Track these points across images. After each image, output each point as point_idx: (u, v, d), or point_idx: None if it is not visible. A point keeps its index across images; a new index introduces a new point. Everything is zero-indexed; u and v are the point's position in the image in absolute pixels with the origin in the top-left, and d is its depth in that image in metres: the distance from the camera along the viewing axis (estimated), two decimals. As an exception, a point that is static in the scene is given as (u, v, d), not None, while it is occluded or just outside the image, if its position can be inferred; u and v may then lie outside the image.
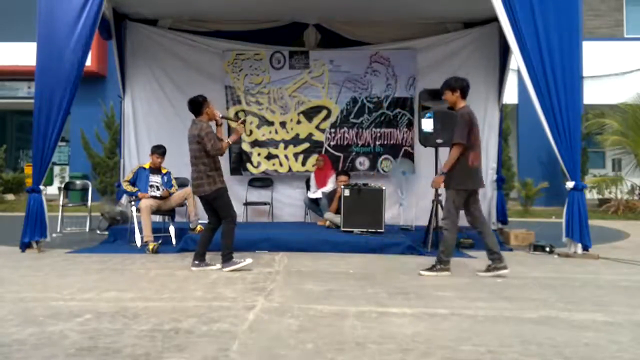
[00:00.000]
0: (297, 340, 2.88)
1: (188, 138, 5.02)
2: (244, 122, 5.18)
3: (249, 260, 4.95)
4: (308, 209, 8.17)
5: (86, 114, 13.41)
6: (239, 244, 6.09)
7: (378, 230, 6.58)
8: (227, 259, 4.93)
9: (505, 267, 4.74)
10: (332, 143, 8.38)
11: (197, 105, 5.03)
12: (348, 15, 8.00)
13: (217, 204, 5.00)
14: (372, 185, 6.88)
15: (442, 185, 4.85)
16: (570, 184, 5.83)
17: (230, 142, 5.17)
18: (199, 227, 6.37)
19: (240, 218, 8.13)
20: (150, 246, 5.93)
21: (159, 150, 6.70)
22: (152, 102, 8.32)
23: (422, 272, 4.77)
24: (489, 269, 4.79)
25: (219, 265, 4.98)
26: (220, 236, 4.98)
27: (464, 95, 4.85)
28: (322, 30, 8.33)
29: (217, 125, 5.21)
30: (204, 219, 6.88)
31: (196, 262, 4.99)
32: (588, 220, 5.93)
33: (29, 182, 7.35)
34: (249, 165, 8.39)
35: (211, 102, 5.14)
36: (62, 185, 9.53)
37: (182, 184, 7.51)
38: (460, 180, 4.72)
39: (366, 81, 8.35)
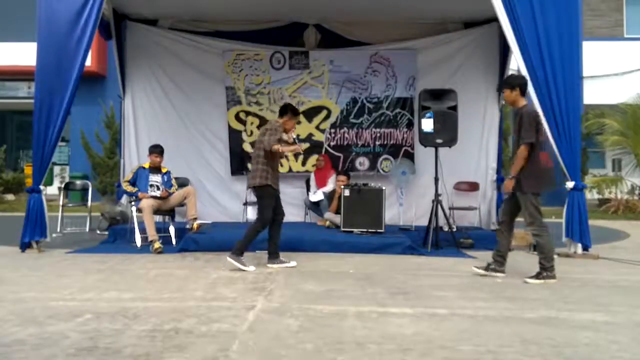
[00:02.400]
0: (297, 340, 2.88)
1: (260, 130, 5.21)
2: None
3: (251, 268, 4.93)
4: (308, 209, 8.17)
5: (86, 114, 13.43)
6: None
7: (378, 230, 6.58)
8: (236, 253, 4.95)
9: (503, 272, 4.74)
10: (332, 143, 8.38)
11: (283, 109, 5.24)
12: (348, 15, 8.00)
13: (259, 201, 5.12)
14: (372, 185, 6.88)
15: (512, 189, 4.61)
16: (570, 184, 5.83)
17: (281, 151, 5.04)
18: (195, 225, 6.36)
19: (240, 218, 8.19)
20: (156, 245, 5.91)
21: (157, 150, 6.68)
22: (152, 102, 8.32)
23: (528, 280, 4.49)
24: (487, 268, 4.79)
25: (294, 263, 5.14)
26: (246, 229, 5.08)
27: (523, 93, 4.71)
28: (322, 30, 8.33)
29: (287, 142, 5.22)
30: (202, 218, 6.95)
31: (271, 259, 5.13)
32: (588, 220, 5.93)
33: (29, 182, 7.36)
34: (249, 166, 8.38)
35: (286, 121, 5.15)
36: (62, 185, 9.53)
37: (182, 183, 7.51)
38: (537, 182, 4.53)
39: (366, 81, 8.35)
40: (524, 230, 4.98)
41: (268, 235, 5.18)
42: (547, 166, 4.63)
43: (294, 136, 5.26)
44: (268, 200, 5.06)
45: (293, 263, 5.17)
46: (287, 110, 5.20)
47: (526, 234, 6.88)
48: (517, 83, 4.72)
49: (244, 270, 4.85)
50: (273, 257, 5.18)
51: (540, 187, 4.58)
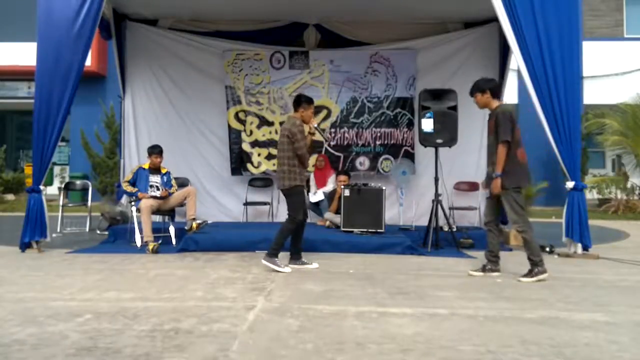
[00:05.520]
0: (297, 340, 2.88)
1: (280, 131, 5.17)
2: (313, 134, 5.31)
3: (287, 269, 4.93)
4: (308, 209, 8.16)
5: (86, 114, 13.43)
6: (239, 244, 6.12)
7: (378, 230, 6.58)
8: (271, 254, 4.95)
9: (498, 271, 4.80)
10: (332, 143, 8.38)
11: (296, 101, 5.17)
12: (348, 15, 8.01)
13: (288, 200, 5.08)
14: (372, 185, 6.88)
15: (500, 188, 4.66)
16: (570, 184, 5.83)
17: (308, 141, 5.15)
18: (194, 225, 6.35)
19: (240, 218, 8.19)
20: (150, 246, 5.93)
21: (156, 150, 6.68)
22: (152, 102, 8.33)
23: (522, 279, 4.56)
24: (484, 269, 4.83)
25: (316, 264, 5.12)
26: (278, 230, 5.05)
27: (495, 95, 4.81)
28: (322, 30, 8.34)
29: (308, 132, 5.19)
30: (202, 218, 6.93)
31: (292, 260, 5.12)
32: (588, 220, 5.93)
33: (29, 182, 7.35)
34: (249, 166, 8.39)
35: (305, 110, 5.10)
36: (62, 185, 9.53)
37: (182, 183, 7.52)
38: (517, 178, 4.63)
39: (366, 81, 8.35)
40: (511, 228, 5.03)
41: (291, 235, 5.17)
42: (524, 161, 4.70)
43: (315, 125, 5.21)
44: (298, 198, 5.05)
45: (315, 265, 5.14)
46: (302, 101, 5.13)
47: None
48: (488, 87, 4.81)
49: (279, 272, 4.84)
50: (295, 257, 5.18)
51: (520, 182, 4.67)
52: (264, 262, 4.90)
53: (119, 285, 4.29)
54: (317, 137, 5.53)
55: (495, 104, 4.81)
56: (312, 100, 5.25)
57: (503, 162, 4.60)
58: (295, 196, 5.04)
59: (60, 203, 8.27)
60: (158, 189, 6.61)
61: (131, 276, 4.69)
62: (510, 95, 11.47)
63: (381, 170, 8.37)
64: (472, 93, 4.89)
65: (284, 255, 5.24)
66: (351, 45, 8.37)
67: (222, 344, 2.78)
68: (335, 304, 3.71)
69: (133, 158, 8.09)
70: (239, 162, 8.39)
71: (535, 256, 4.60)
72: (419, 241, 6.42)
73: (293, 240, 5.19)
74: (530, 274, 4.59)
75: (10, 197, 13.60)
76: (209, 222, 6.52)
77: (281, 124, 8.27)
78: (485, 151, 8.03)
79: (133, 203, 6.52)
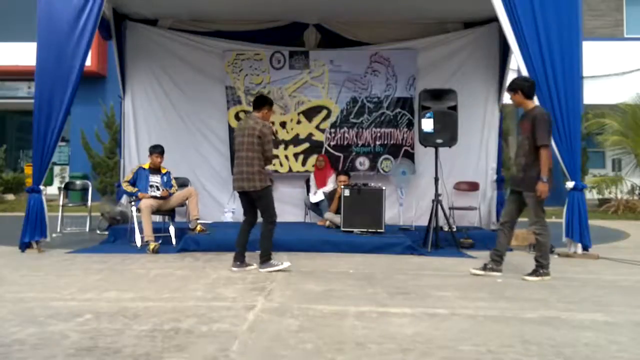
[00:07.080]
0: (297, 340, 2.88)
1: (241, 130, 4.99)
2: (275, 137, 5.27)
3: (287, 264, 4.91)
4: (308, 210, 8.17)
5: (86, 114, 13.42)
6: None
7: (378, 230, 6.58)
8: (265, 260, 4.91)
9: (500, 271, 4.80)
10: (332, 143, 8.38)
11: (262, 101, 5.09)
12: (348, 15, 8.01)
13: (261, 202, 4.98)
14: (372, 185, 6.88)
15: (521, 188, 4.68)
16: (570, 184, 5.83)
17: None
18: (198, 227, 6.37)
19: (240, 218, 8.16)
20: (151, 246, 5.92)
21: (157, 150, 6.68)
22: (152, 102, 8.32)
23: (526, 278, 4.61)
24: (485, 267, 4.83)
25: (255, 265, 5.01)
26: (259, 236, 4.96)
27: (527, 96, 4.74)
28: (322, 30, 8.33)
29: None
30: (203, 219, 6.94)
31: (237, 262, 4.95)
32: (588, 220, 5.93)
33: (29, 182, 7.35)
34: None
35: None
36: (62, 185, 9.53)
37: (182, 184, 7.52)
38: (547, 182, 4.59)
39: (366, 81, 8.35)
40: (526, 229, 5.03)
41: (239, 236, 5.03)
42: (551, 166, 4.69)
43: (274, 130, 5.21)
44: (271, 198, 5.03)
45: (255, 266, 4.98)
46: (267, 102, 5.08)
47: (528, 234, 6.89)
48: (519, 86, 4.76)
49: (280, 270, 4.82)
50: (240, 260, 4.98)
51: (549, 187, 4.63)
52: (261, 270, 4.87)
53: (119, 285, 4.29)
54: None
55: (531, 104, 4.77)
56: (272, 102, 5.27)
57: (548, 166, 4.54)
58: (268, 197, 5.00)
59: (60, 203, 8.27)
60: (158, 189, 6.61)
61: (131, 276, 4.69)
62: (510, 95, 11.45)
63: (381, 170, 8.36)
64: (507, 90, 4.88)
65: (283, 255, 5.25)
66: (351, 45, 8.36)
67: (222, 344, 2.78)
68: (335, 304, 3.71)
69: (133, 158, 8.08)
70: (239, 162, 8.37)
71: (544, 259, 4.65)
72: (419, 241, 6.42)
73: (240, 238, 5.00)
74: (535, 273, 4.63)
75: (10, 197, 13.60)
76: (209, 232, 6.46)
77: (281, 124, 8.34)
78: (485, 151, 8.18)
79: (133, 203, 6.52)
